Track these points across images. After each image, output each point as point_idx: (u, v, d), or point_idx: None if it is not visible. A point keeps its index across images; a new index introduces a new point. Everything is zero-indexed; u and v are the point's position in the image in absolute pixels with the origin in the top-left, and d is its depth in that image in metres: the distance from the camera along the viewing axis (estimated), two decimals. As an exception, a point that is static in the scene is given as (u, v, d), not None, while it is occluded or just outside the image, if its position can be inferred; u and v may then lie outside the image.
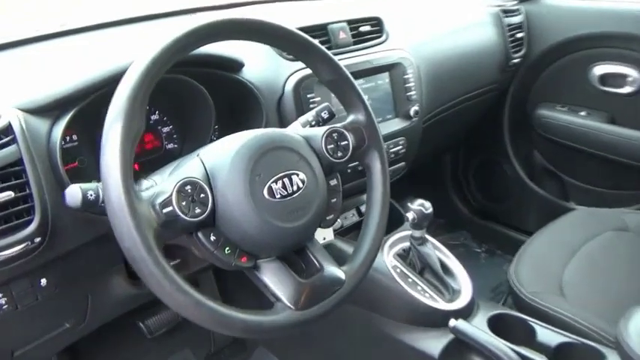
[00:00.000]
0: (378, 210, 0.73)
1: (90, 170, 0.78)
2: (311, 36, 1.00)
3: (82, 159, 0.79)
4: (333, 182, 0.72)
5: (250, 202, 0.60)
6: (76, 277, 0.76)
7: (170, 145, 0.92)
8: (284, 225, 0.62)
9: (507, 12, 1.52)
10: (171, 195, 0.56)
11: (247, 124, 0.94)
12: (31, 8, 0.93)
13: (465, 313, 0.96)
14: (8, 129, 0.64)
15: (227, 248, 0.60)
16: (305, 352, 1.27)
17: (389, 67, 1.12)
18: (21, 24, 0.91)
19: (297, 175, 0.64)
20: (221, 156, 0.62)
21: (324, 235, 0.91)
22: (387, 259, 1.04)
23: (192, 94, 0.86)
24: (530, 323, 0.94)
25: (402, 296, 0.98)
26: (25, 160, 0.64)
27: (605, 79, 1.49)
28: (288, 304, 0.62)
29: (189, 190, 0.57)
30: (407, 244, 1.06)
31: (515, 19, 1.53)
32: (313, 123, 0.80)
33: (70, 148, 0.79)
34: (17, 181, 0.64)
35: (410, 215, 0.99)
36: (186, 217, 0.56)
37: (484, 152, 1.86)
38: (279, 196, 0.62)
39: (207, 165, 0.61)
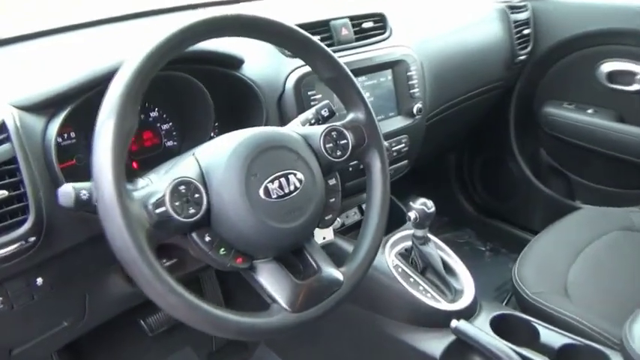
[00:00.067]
0: (378, 210, 0.72)
1: (87, 168, 0.77)
2: (313, 32, 1.00)
3: (80, 157, 0.78)
4: (332, 182, 0.71)
5: (246, 202, 0.59)
6: (73, 277, 0.76)
7: (169, 143, 0.92)
8: (280, 225, 0.61)
9: (514, 8, 1.50)
10: (164, 195, 0.55)
11: (247, 121, 0.93)
12: (31, 8, 0.92)
13: (467, 313, 0.95)
14: (2, 127, 0.63)
15: (222, 249, 0.59)
16: (306, 351, 1.26)
17: (392, 64, 1.10)
18: (21, 24, 0.90)
19: (295, 174, 0.63)
20: (217, 155, 0.61)
21: (324, 235, 0.90)
22: (389, 258, 1.03)
23: (191, 92, 0.85)
24: (534, 324, 0.92)
25: (404, 296, 0.97)
26: (19, 159, 0.63)
27: (613, 76, 1.47)
28: (285, 306, 0.61)
29: (184, 190, 0.56)
30: (409, 243, 1.05)
31: (522, 16, 1.51)
32: (313, 121, 0.79)
33: (68, 146, 0.78)
34: (11, 180, 0.63)
35: (412, 214, 0.98)
36: (179, 218, 0.55)
37: (489, 150, 1.85)
38: (275, 196, 0.61)
39: (202, 164, 0.60)
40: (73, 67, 0.72)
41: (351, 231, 1.15)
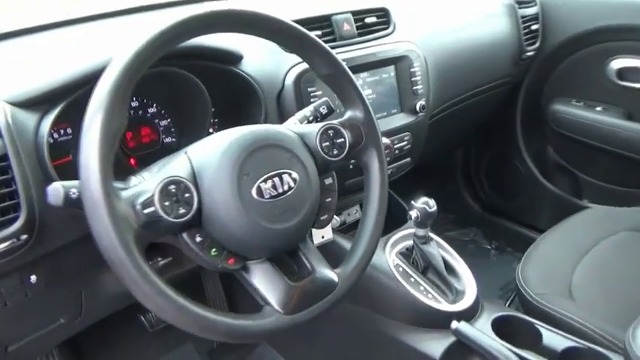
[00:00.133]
0: (375, 211, 0.70)
1: None
2: (314, 27, 0.99)
3: (75, 153, 0.77)
4: (329, 181, 0.69)
5: (238, 203, 0.57)
6: (67, 274, 0.75)
7: (168, 139, 0.91)
8: (273, 226, 0.60)
9: (522, 3, 1.47)
10: (153, 195, 0.54)
11: (246, 118, 0.92)
12: (31, 8, 0.92)
13: (469, 314, 0.94)
14: None
15: (213, 250, 0.58)
16: (306, 349, 1.25)
17: (395, 60, 1.08)
18: (21, 24, 0.90)
19: (289, 174, 0.61)
20: (209, 154, 0.60)
21: (322, 234, 0.89)
22: (390, 257, 1.02)
23: (188, 88, 0.84)
24: (536, 326, 0.91)
25: (404, 296, 0.96)
26: (10, 155, 0.63)
27: (623, 73, 1.43)
28: (277, 308, 0.59)
29: (173, 190, 0.55)
30: (410, 242, 1.04)
31: (530, 11, 1.48)
32: (311, 118, 0.78)
33: (64, 142, 0.77)
34: (2, 177, 0.62)
35: (413, 213, 0.96)
36: (168, 218, 0.54)
37: (496, 147, 1.82)
38: (268, 196, 0.59)
39: (194, 163, 0.59)
40: (66, 63, 0.71)
41: (352, 229, 1.14)
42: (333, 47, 0.98)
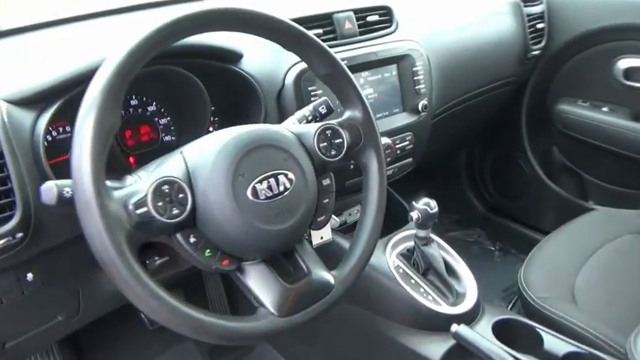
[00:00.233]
0: (373, 213, 0.69)
1: None
2: (315, 26, 0.98)
3: None
4: (326, 182, 0.68)
5: (232, 203, 0.57)
6: (64, 273, 0.75)
7: (167, 138, 0.90)
8: (269, 227, 0.59)
9: (527, 1, 1.45)
10: (146, 195, 0.53)
11: (246, 117, 0.91)
12: (31, 8, 0.91)
13: (469, 317, 0.93)
14: None
15: (207, 250, 0.58)
16: (306, 349, 1.25)
17: (397, 59, 1.07)
18: (20, 23, 0.90)
19: (285, 174, 0.61)
20: (204, 154, 0.59)
21: (321, 235, 0.88)
22: (390, 258, 1.01)
23: (187, 86, 0.84)
24: (538, 330, 0.90)
25: (404, 298, 0.95)
26: (5, 154, 0.62)
27: (630, 73, 1.41)
28: (272, 310, 0.59)
29: (167, 190, 0.55)
30: (411, 243, 1.03)
31: (536, 9, 1.46)
32: (310, 118, 0.77)
33: (62, 140, 0.77)
34: None
35: (414, 214, 0.95)
36: (161, 218, 0.54)
37: (500, 147, 1.81)
38: (263, 197, 0.59)
39: (189, 163, 0.59)
40: (64, 62, 0.71)
41: (352, 229, 1.11)
42: (334, 46, 0.99)
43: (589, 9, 1.45)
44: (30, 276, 0.70)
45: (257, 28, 0.64)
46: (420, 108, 1.09)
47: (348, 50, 1.00)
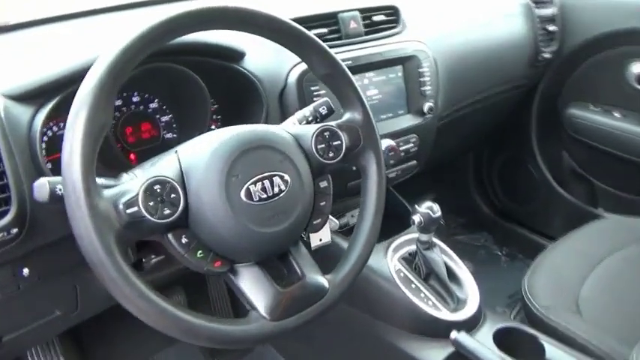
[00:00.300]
0: (371, 216, 0.68)
1: None
2: (320, 25, 0.97)
3: None
4: (324, 184, 0.67)
5: (225, 205, 0.56)
6: (60, 269, 0.75)
7: (169, 135, 0.90)
8: (262, 230, 0.58)
9: (539, 3, 1.42)
10: (137, 194, 0.53)
11: (248, 116, 0.90)
12: (31, 8, 0.91)
13: (470, 324, 0.92)
14: None
15: (200, 252, 0.57)
16: (305, 349, 1.24)
17: (403, 60, 1.06)
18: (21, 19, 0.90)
19: (280, 176, 0.60)
20: (198, 154, 0.58)
21: (320, 237, 0.87)
22: (391, 262, 1.00)
23: (187, 84, 0.83)
24: (540, 340, 0.88)
25: (404, 303, 0.94)
26: (1, 149, 0.62)
27: (643, 78, 1.38)
28: (264, 314, 0.58)
29: (159, 190, 0.54)
30: (413, 247, 1.01)
31: (548, 11, 1.43)
32: (310, 119, 0.76)
33: (62, 136, 0.77)
34: None
35: (416, 218, 0.94)
36: (152, 219, 0.53)
37: (509, 151, 1.78)
38: (257, 198, 0.58)
39: (183, 163, 0.58)
40: (63, 58, 0.71)
41: (355, 231, 1.12)
42: (338, 45, 0.98)
43: (602, 12, 1.42)
44: (26, 271, 0.70)
45: (255, 26, 0.63)
46: (425, 110, 1.07)
47: (353, 50, 0.99)
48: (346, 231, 1.12)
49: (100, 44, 0.72)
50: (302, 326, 0.60)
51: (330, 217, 0.89)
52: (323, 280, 0.63)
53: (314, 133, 0.66)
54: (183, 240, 0.56)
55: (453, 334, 0.87)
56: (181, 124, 0.90)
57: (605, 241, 1.15)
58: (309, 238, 0.85)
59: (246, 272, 0.60)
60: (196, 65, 0.83)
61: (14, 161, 0.63)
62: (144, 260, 0.73)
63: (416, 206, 0.94)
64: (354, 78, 0.69)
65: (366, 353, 1.06)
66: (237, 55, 0.87)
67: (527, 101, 1.60)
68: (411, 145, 1.08)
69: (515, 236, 1.81)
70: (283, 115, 0.91)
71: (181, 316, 0.53)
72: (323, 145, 0.66)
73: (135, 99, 0.85)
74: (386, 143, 0.98)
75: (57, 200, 0.54)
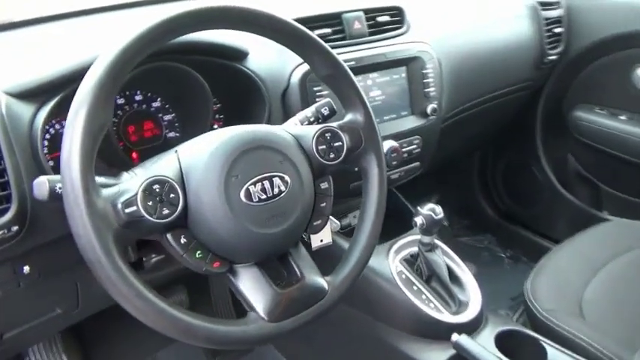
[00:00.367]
0: (371, 218, 0.68)
1: None
2: (324, 25, 0.97)
3: None
4: (324, 185, 0.67)
5: (225, 205, 0.56)
6: (61, 266, 0.75)
7: (171, 134, 0.90)
8: (261, 231, 0.58)
9: (545, 4, 1.41)
10: (136, 194, 0.53)
11: (250, 116, 0.90)
12: (31, 8, 0.92)
13: (471, 327, 0.91)
14: None
15: (198, 252, 0.57)
16: (306, 349, 1.24)
17: (406, 61, 1.05)
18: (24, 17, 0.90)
19: (280, 177, 0.59)
20: (198, 154, 0.58)
21: (321, 238, 0.86)
22: (393, 264, 0.99)
23: (189, 83, 0.83)
24: (542, 343, 0.88)
25: (405, 304, 0.94)
26: (2, 146, 0.62)
27: (650, 81, 1.37)
28: (262, 315, 0.58)
29: (157, 190, 0.54)
30: (415, 249, 1.01)
31: (554, 13, 1.42)
32: (312, 119, 0.75)
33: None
34: None
35: (418, 220, 0.93)
36: (151, 218, 0.53)
37: (514, 153, 1.77)
38: (257, 199, 0.58)
39: (182, 162, 0.58)
40: (66, 55, 0.71)
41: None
42: (342, 46, 0.97)
43: (609, 14, 1.41)
44: (26, 269, 0.70)
45: (257, 26, 0.62)
46: (428, 111, 1.07)
47: (357, 51, 0.99)
48: (348, 232, 1.11)
49: (103, 42, 0.72)
50: (300, 328, 0.60)
51: (332, 218, 0.89)
52: (322, 282, 0.63)
53: (315, 134, 0.66)
54: (182, 240, 0.56)
55: (454, 337, 0.87)
56: (184, 123, 0.90)
57: (610, 245, 1.14)
58: (309, 238, 0.85)
59: (245, 273, 0.60)
60: (199, 64, 0.83)
61: (15, 159, 0.63)
62: (144, 259, 0.73)
63: (418, 208, 0.94)
64: (356, 79, 0.69)
65: (366, 354, 1.05)
66: (240, 55, 0.87)
67: (533, 103, 1.59)
68: (414, 146, 1.08)
69: (519, 238, 1.80)
70: (286, 115, 0.91)
71: (179, 317, 0.53)
72: (324, 146, 0.66)
73: (138, 97, 0.85)
74: (388, 144, 0.97)
75: (56, 198, 0.54)
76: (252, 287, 0.59)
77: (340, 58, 0.68)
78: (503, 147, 1.79)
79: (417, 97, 1.07)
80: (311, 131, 0.66)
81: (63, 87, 0.68)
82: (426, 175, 1.20)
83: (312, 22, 0.94)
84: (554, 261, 1.13)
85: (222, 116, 0.93)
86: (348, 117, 0.70)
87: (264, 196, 0.58)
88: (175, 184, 0.55)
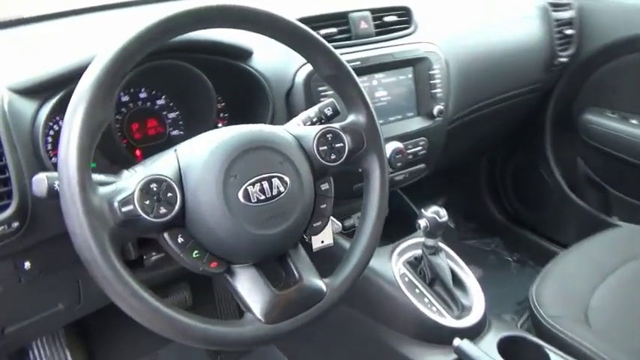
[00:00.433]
0: (372, 221, 0.67)
1: None
2: (330, 25, 0.96)
3: None
4: (325, 187, 0.66)
5: (223, 205, 0.55)
6: (62, 263, 0.75)
7: (175, 132, 0.90)
8: (260, 231, 0.57)
9: (557, 5, 1.39)
10: (133, 192, 0.52)
11: (254, 115, 0.90)
12: (31, 8, 0.92)
13: (474, 332, 0.90)
14: None
15: (196, 252, 0.56)
16: (308, 349, 1.23)
17: (413, 62, 1.04)
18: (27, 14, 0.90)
19: (280, 178, 0.59)
20: (197, 153, 0.58)
21: (322, 239, 0.86)
22: (395, 266, 0.98)
23: (193, 81, 0.83)
24: (546, 350, 0.86)
25: (407, 308, 0.93)
26: (3, 142, 0.62)
27: (662, 84, 1.35)
28: (259, 316, 0.57)
29: (155, 189, 0.54)
30: (419, 251, 1.00)
31: (565, 14, 1.40)
32: (315, 120, 0.75)
33: None
34: None
35: (422, 222, 0.92)
36: (147, 217, 0.53)
37: (522, 156, 1.75)
38: (255, 200, 0.57)
39: (181, 161, 0.57)
40: (67, 53, 0.71)
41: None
42: (348, 46, 0.97)
43: (621, 16, 1.39)
44: (27, 264, 0.70)
45: (258, 25, 0.62)
46: (435, 113, 1.06)
47: (363, 51, 0.98)
48: (351, 233, 1.11)
49: (105, 40, 0.72)
50: (297, 330, 0.59)
51: (333, 219, 0.88)
52: (320, 284, 0.62)
53: (316, 134, 0.65)
54: (179, 239, 0.56)
55: (456, 342, 0.86)
56: (188, 121, 0.90)
57: (618, 251, 1.13)
58: (310, 240, 0.84)
59: (243, 274, 0.59)
60: (204, 63, 0.82)
61: (17, 155, 0.64)
62: (145, 257, 0.73)
63: (422, 210, 0.93)
64: (359, 79, 0.68)
65: (367, 356, 1.05)
66: (245, 54, 0.86)
67: (542, 106, 1.57)
68: (420, 148, 1.07)
69: (526, 242, 1.78)
70: (290, 115, 0.90)
71: (174, 317, 0.52)
72: (325, 147, 0.65)
73: (142, 95, 0.85)
74: (393, 146, 0.97)
75: (55, 196, 0.54)
76: (250, 288, 0.58)
77: (344, 58, 0.68)
78: (511, 150, 1.78)
79: (423, 98, 1.06)
80: (312, 132, 0.65)
81: (65, 84, 0.68)
82: (433, 176, 1.19)
83: (317, 21, 0.93)
84: (561, 266, 1.11)
85: (226, 115, 0.93)
86: (351, 118, 0.69)
87: (262, 197, 0.57)
88: (173, 183, 0.55)
